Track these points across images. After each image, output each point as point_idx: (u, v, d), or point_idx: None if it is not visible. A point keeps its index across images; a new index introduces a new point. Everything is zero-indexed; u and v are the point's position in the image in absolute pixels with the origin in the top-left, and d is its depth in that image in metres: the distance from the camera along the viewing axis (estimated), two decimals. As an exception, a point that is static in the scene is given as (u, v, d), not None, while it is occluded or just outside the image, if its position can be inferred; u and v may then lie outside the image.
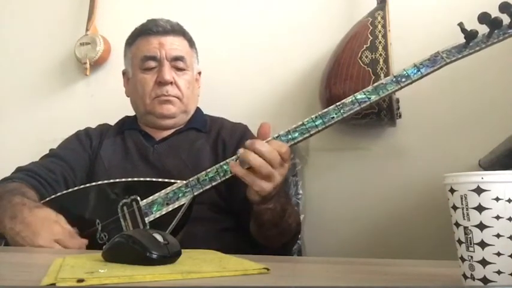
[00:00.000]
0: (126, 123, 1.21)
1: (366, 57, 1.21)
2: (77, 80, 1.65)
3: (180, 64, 1.13)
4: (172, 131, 1.15)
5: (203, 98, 1.27)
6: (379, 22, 1.24)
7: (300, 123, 0.86)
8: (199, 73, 1.24)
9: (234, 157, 0.88)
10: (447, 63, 0.85)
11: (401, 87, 0.85)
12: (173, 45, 1.13)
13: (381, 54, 1.20)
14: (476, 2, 1.24)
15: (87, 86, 1.63)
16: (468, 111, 1.32)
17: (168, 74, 1.10)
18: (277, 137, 0.86)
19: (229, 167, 0.85)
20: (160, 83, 1.10)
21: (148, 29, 1.13)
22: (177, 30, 1.16)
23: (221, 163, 0.89)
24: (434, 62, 0.85)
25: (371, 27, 1.24)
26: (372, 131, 1.37)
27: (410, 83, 0.85)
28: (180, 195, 0.89)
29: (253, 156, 0.79)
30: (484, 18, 0.81)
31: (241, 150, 0.82)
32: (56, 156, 1.10)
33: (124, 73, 1.22)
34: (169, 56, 1.11)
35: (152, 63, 1.11)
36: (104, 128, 1.20)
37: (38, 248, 0.82)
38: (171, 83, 1.11)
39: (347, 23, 1.35)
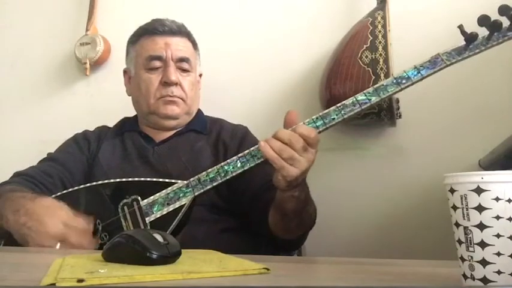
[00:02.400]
0: (126, 125, 1.21)
1: (366, 57, 1.21)
2: (77, 80, 1.65)
3: (185, 65, 1.13)
4: (172, 132, 1.15)
5: (203, 98, 1.27)
6: (379, 22, 1.24)
7: (301, 124, 0.86)
8: (200, 75, 1.24)
9: (235, 157, 0.88)
10: (447, 65, 0.85)
11: (402, 89, 0.85)
12: (179, 46, 1.13)
13: (381, 54, 1.20)
14: (475, 2, 1.25)
15: (87, 86, 1.63)
16: (468, 111, 1.32)
17: (174, 74, 1.10)
18: None
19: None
20: (166, 83, 1.10)
21: (155, 29, 1.13)
22: (183, 32, 1.16)
23: (222, 163, 0.88)
24: (435, 63, 0.85)
25: (371, 27, 1.24)
26: (372, 131, 1.37)
27: (411, 84, 0.85)
28: (180, 195, 0.89)
29: (273, 141, 0.79)
30: (483, 20, 0.81)
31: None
32: (54, 160, 1.10)
33: (125, 72, 1.22)
34: (174, 57, 1.11)
35: (157, 63, 1.11)
36: (102, 131, 1.20)
37: (46, 237, 0.82)
38: (176, 84, 1.11)
39: (347, 23, 1.35)
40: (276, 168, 0.79)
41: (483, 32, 0.84)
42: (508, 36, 0.84)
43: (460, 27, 0.84)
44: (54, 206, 0.87)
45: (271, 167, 0.81)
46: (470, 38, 0.83)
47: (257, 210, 0.96)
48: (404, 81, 0.85)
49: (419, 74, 0.85)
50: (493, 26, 0.81)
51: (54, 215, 0.85)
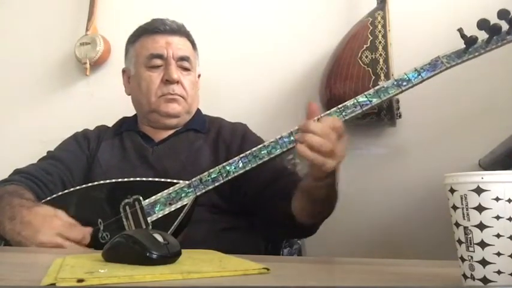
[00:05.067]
0: (125, 124, 1.21)
1: (366, 57, 1.21)
2: (77, 80, 1.65)
3: (186, 64, 1.14)
4: (171, 132, 1.15)
5: (204, 98, 1.27)
6: (379, 22, 1.24)
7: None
8: (199, 75, 1.24)
9: (237, 157, 0.87)
10: (447, 68, 0.86)
11: (402, 91, 0.86)
12: (179, 45, 1.13)
13: (381, 54, 1.20)
14: (475, 2, 1.25)
15: (87, 86, 1.63)
16: (468, 111, 1.32)
17: (175, 73, 1.10)
18: (280, 138, 0.87)
19: (295, 150, 0.80)
20: (167, 81, 1.10)
21: (155, 28, 1.13)
22: (183, 32, 1.17)
23: (224, 164, 0.89)
24: (435, 66, 0.86)
25: (371, 27, 1.24)
26: (372, 131, 1.37)
27: (411, 86, 0.86)
28: (182, 195, 0.89)
29: (311, 137, 0.76)
30: (483, 24, 0.82)
31: (298, 134, 0.80)
32: (54, 158, 1.10)
33: (124, 71, 1.21)
34: (176, 56, 1.12)
35: (158, 61, 1.11)
36: (101, 130, 1.20)
37: (40, 246, 0.82)
38: (177, 82, 1.11)
39: (347, 23, 1.35)
40: (314, 165, 0.78)
41: (483, 34, 0.84)
42: (507, 40, 0.84)
43: (460, 30, 0.84)
44: (50, 215, 0.87)
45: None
46: (469, 41, 0.84)
47: (267, 201, 0.96)
48: (405, 84, 0.86)
49: (420, 77, 0.86)
50: (493, 30, 0.82)
51: (49, 225, 0.84)
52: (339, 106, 0.86)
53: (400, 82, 0.86)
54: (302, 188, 0.87)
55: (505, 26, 0.83)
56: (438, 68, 0.86)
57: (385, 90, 0.86)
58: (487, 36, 0.84)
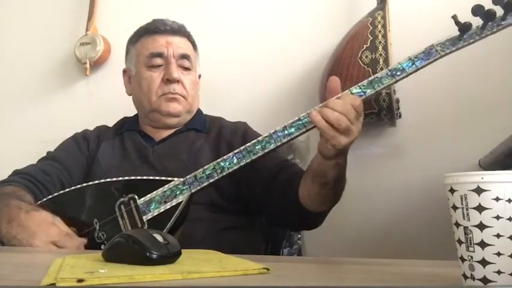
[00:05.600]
0: (126, 124, 1.21)
1: (366, 57, 1.21)
2: (77, 80, 1.65)
3: (186, 63, 1.14)
4: (172, 131, 1.15)
5: (205, 97, 1.27)
6: (379, 22, 1.24)
7: (296, 118, 0.85)
8: (199, 76, 1.24)
9: (231, 153, 0.87)
10: (442, 56, 0.84)
11: (397, 81, 0.84)
12: (180, 44, 1.14)
13: (381, 54, 1.20)
14: (475, 2, 1.25)
15: (87, 86, 1.63)
16: (468, 111, 1.32)
17: (176, 72, 1.11)
18: (273, 132, 0.86)
19: (308, 119, 0.81)
20: (168, 80, 1.10)
21: (156, 28, 1.14)
22: (183, 32, 1.17)
23: (218, 160, 0.88)
24: (429, 54, 0.84)
25: (371, 27, 1.24)
26: (372, 131, 1.37)
27: (406, 76, 0.84)
28: (177, 192, 0.88)
29: (328, 111, 0.78)
30: (477, 10, 0.81)
31: (316, 108, 0.81)
32: (53, 159, 1.10)
33: (125, 71, 1.22)
34: (176, 54, 1.12)
35: (159, 61, 1.12)
36: (101, 130, 1.20)
37: (37, 248, 0.82)
38: (178, 81, 1.11)
39: (347, 23, 1.35)
40: (325, 138, 0.79)
41: (478, 21, 0.83)
42: (502, 26, 0.82)
43: (454, 17, 0.83)
44: (47, 222, 0.87)
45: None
46: (464, 28, 0.82)
47: (275, 192, 0.95)
48: (399, 73, 0.84)
49: (414, 66, 0.84)
50: (487, 16, 0.81)
51: (46, 232, 0.84)
52: (333, 98, 0.85)
53: (394, 72, 0.84)
54: (312, 171, 0.87)
55: (499, 12, 0.82)
56: (432, 56, 0.84)
57: (378, 81, 0.84)
58: (482, 22, 0.83)
